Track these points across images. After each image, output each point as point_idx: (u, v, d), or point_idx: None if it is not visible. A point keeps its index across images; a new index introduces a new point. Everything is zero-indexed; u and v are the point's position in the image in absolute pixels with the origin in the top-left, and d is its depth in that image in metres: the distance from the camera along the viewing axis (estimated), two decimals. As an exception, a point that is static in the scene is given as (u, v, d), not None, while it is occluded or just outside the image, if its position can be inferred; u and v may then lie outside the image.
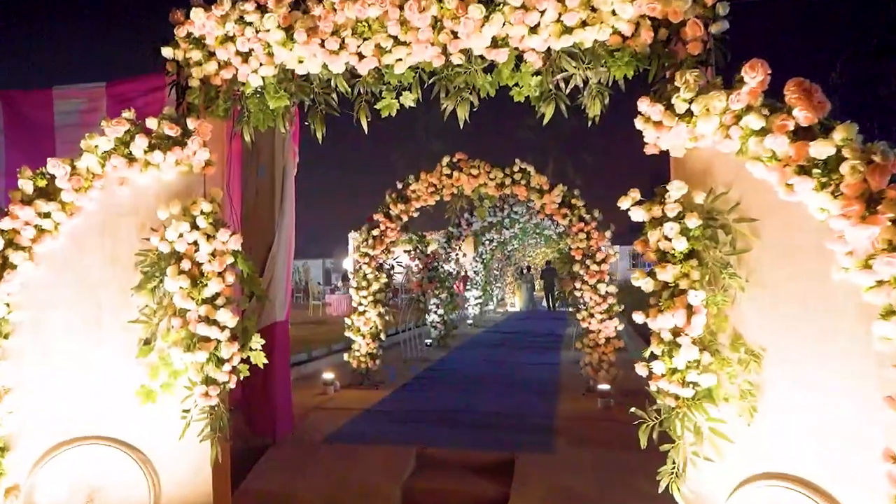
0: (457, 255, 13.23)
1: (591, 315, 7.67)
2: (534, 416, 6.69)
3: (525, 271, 24.95)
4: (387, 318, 8.45)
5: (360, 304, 8.34)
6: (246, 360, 4.25)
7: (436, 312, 12.41)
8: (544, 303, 25.28)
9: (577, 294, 7.83)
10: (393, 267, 8.64)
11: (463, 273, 16.71)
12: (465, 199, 8.33)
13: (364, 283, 8.29)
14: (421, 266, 10.93)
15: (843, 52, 39.14)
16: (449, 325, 12.67)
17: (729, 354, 3.34)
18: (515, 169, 7.81)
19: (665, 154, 3.60)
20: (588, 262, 7.69)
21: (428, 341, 12.14)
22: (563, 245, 8.02)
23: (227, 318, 4.01)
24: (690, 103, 3.27)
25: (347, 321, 8.43)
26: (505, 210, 12.15)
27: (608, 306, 7.62)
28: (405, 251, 10.96)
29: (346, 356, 8.53)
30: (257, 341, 4.25)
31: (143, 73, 5.87)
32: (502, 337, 14.68)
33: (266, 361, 4.31)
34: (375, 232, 8.29)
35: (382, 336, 8.43)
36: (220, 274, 4.05)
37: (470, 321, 16.91)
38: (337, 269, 46.79)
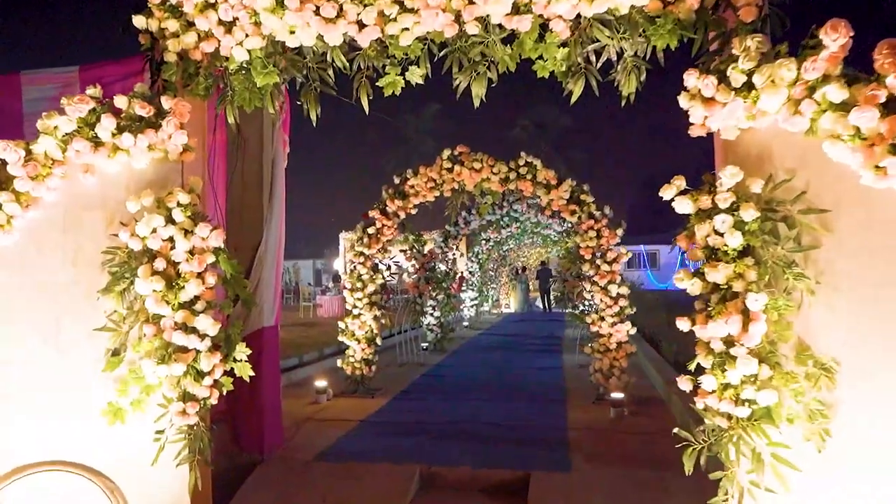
0: (454, 254, 12.76)
1: (602, 318, 7.20)
2: (543, 427, 6.21)
3: (520, 272, 24.49)
4: (382, 321, 7.95)
5: (355, 306, 7.83)
6: (230, 373, 3.74)
7: (432, 314, 11.91)
8: (539, 304, 24.84)
9: (587, 296, 7.36)
10: (389, 267, 8.13)
11: (459, 274, 16.23)
12: (467, 195, 7.85)
13: (359, 285, 7.78)
14: (417, 266, 10.43)
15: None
16: (446, 328, 12.17)
17: (793, 368, 2.87)
18: (521, 163, 7.33)
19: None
20: (598, 261, 7.22)
21: (424, 345, 11.64)
22: (570, 244, 7.54)
23: (208, 324, 3.51)
24: (750, 75, 2.80)
25: (341, 325, 7.92)
26: (504, 208, 11.70)
27: (619, 309, 7.15)
28: (401, 250, 10.47)
29: (339, 362, 8.01)
30: (242, 351, 3.74)
31: (121, 55, 5.37)
32: (500, 339, 14.20)
33: (252, 374, 3.80)
34: (371, 230, 7.78)
35: (378, 340, 7.93)
36: (199, 275, 3.55)
37: (466, 323, 16.43)
38: (328, 270, 46.24)
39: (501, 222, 12.31)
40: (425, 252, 10.51)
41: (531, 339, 14.12)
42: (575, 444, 5.57)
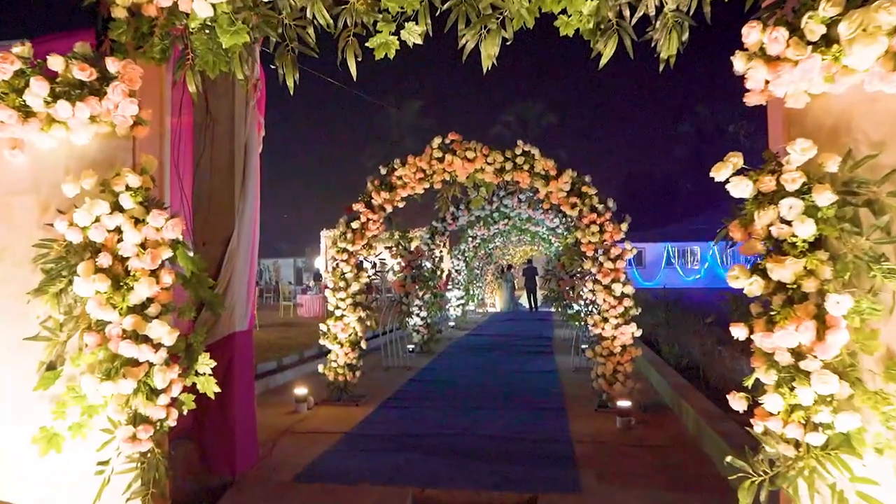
0: (441, 252, 12.20)
1: (605, 319, 6.68)
2: (546, 439, 5.67)
3: (506, 270, 23.98)
4: (367, 323, 7.37)
5: (338, 307, 7.24)
6: (191, 389, 3.15)
7: (418, 315, 11.34)
8: (524, 303, 24.36)
9: (589, 295, 6.84)
10: (375, 265, 7.55)
11: (446, 272, 15.68)
12: (459, 186, 7.30)
13: (342, 284, 7.19)
14: (404, 264, 9.85)
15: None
16: (433, 329, 11.61)
17: (881, 386, 2.35)
18: (518, 152, 6.78)
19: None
20: (601, 258, 6.70)
21: (410, 347, 11.07)
22: (570, 239, 7.01)
23: (163, 332, 2.92)
24: (832, 25, 2.27)
25: (322, 327, 7.31)
26: (494, 203, 11.16)
27: (624, 309, 6.63)
28: (386, 247, 9.89)
29: (321, 367, 7.41)
30: (206, 363, 3.16)
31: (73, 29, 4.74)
32: (489, 340, 13.66)
33: (218, 390, 3.22)
34: (355, 224, 7.19)
35: (363, 344, 7.34)
36: (153, 273, 2.96)
37: (452, 323, 15.88)
38: (309, 269, 45.50)
39: (491, 218, 11.78)
40: (412, 249, 9.93)
41: (521, 340, 13.60)
42: (583, 460, 5.04)
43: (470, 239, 15.87)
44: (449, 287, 16.49)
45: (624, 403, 6.07)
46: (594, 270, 6.75)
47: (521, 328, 16.54)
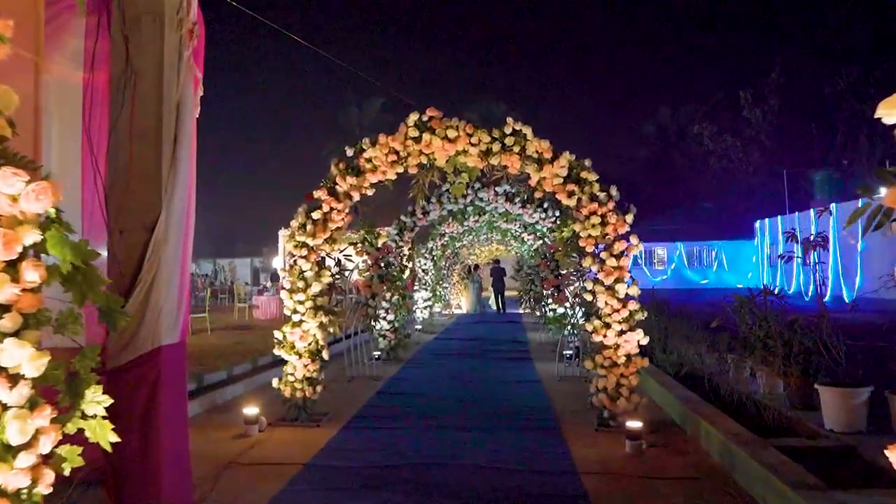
0: (409, 249, 11.22)
1: (607, 325, 5.80)
2: (545, 470, 4.74)
3: (472, 270, 23.08)
4: (330, 329, 6.35)
5: (295, 311, 6.21)
6: (78, 438, 2.13)
7: (385, 318, 10.33)
8: (491, 304, 23.51)
9: (588, 297, 5.95)
10: (339, 262, 6.54)
11: (410, 270, 14.69)
12: (437, 171, 6.34)
13: (300, 284, 6.16)
14: (370, 262, 8.83)
15: (784, 52, 39.35)
16: (401, 334, 10.62)
17: None
18: (507, 131, 5.86)
19: None
20: (603, 255, 5.81)
21: (376, 353, 10.05)
22: (567, 232, 6.10)
23: (23, 357, 1.89)
24: None
25: (278, 335, 6.27)
26: (468, 196, 10.24)
27: (629, 313, 5.76)
28: (350, 243, 8.88)
29: (275, 382, 6.36)
30: (97, 401, 2.13)
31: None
32: (461, 345, 12.71)
33: (116, 439, 2.21)
34: (316, 215, 6.16)
35: (325, 354, 6.32)
36: (9, 266, 1.93)
37: (419, 326, 14.88)
38: (266, 269, 44.04)
39: (464, 213, 10.88)
40: (379, 246, 8.93)
41: (495, 345, 12.68)
42: (598, 500, 4.12)
43: (439, 237, 14.94)
44: (416, 288, 15.52)
45: (634, 424, 5.18)
46: (594, 269, 5.86)
47: (493, 331, 15.65)
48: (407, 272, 10.67)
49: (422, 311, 15.36)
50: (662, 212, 38.50)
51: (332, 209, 6.17)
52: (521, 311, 23.06)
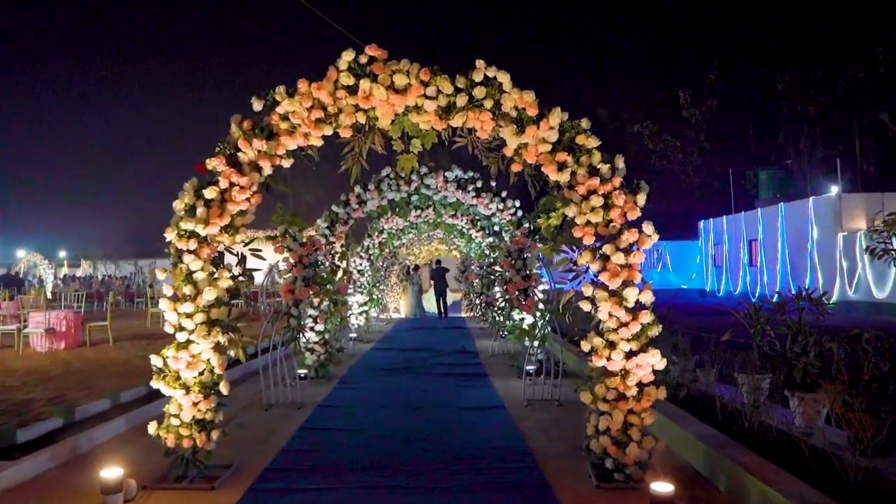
0: (343, 247, 9.49)
1: (611, 345, 4.26)
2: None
3: (412, 271, 21.39)
4: (230, 352, 4.60)
5: (181, 328, 4.43)
6: None
7: (313, 329, 8.58)
8: (430, 308, 21.90)
9: (587, 307, 4.40)
10: (244, 260, 4.78)
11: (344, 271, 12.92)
12: (380, 135, 4.68)
13: (187, 291, 4.38)
14: (293, 262, 7.07)
15: (721, 53, 39.24)
16: (332, 347, 8.87)
17: None
18: (476, 79, 4.25)
19: None
20: (606, 248, 4.28)
21: (302, 372, 8.28)
22: (553, 219, 4.51)
23: None
24: None
25: (155, 361, 4.48)
26: (413, 182, 8.61)
27: (641, 328, 4.25)
28: (268, 237, 7.12)
29: (152, 428, 4.55)
30: None
31: None
32: (403, 357, 11.03)
33: None
34: (210, 193, 4.39)
35: (223, 387, 4.56)
36: None
37: (353, 335, 13.09)
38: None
39: (409, 204, 9.24)
40: (304, 241, 7.17)
41: (442, 356, 11.06)
42: None
43: (376, 233, 13.22)
44: (350, 291, 13.77)
45: (663, 487, 3.65)
46: (594, 268, 4.32)
47: (437, 339, 14.03)
48: (340, 273, 8.94)
49: (357, 318, 13.59)
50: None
51: (232, 186, 4.42)
52: (464, 314, 21.54)
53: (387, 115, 4.40)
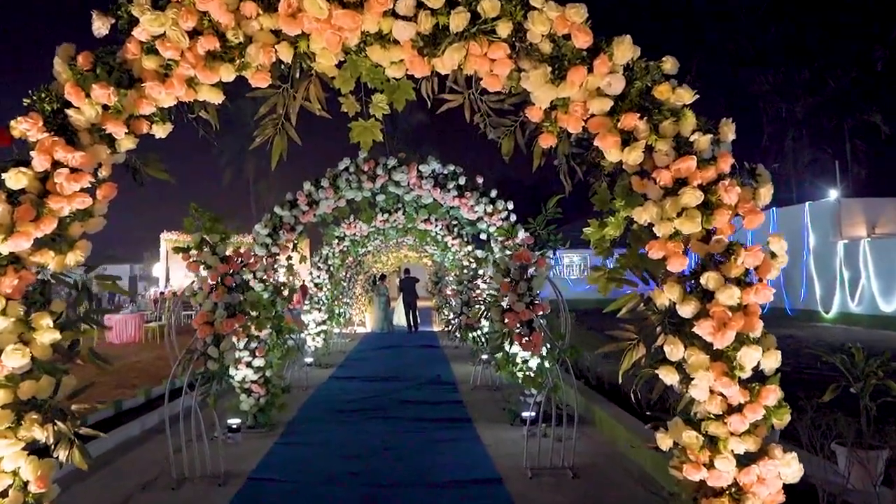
0: (289, 259, 7.59)
1: (712, 441, 2.47)
2: None
3: (378, 281, 19.45)
4: (58, 456, 2.70)
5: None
6: None
7: (250, 365, 6.65)
8: (399, 321, 20.02)
9: (669, 378, 2.61)
10: (86, 291, 2.87)
11: (301, 282, 11.01)
12: (320, 86, 2.82)
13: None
14: (213, 284, 5.12)
15: (698, 55, 38.16)
16: (275, 387, 6.94)
17: None
18: (486, -17, 2.44)
19: None
20: (709, 278, 2.49)
21: (234, 422, 6.34)
22: (621, 216, 2.70)
23: None
24: None
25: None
26: (378, 178, 6.80)
27: (764, 414, 2.47)
28: (175, 249, 5.22)
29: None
30: None
31: None
32: (367, 389, 9.11)
33: None
34: (17, 180, 2.49)
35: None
36: None
37: (309, 360, 11.11)
38: (146, 277, 38.79)
39: (376, 205, 7.39)
40: (225, 255, 5.23)
41: (414, 388, 9.17)
42: None
43: (336, 241, 11.32)
44: (306, 306, 11.83)
45: None
46: (686, 311, 2.53)
47: (408, 361, 12.16)
48: (286, 292, 7.04)
49: (313, 339, 11.63)
50: (578, 217, 36.25)
51: (58, 166, 2.53)
52: (435, 328, 19.70)
53: (330, 50, 2.56)
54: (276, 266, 6.99)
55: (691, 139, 2.52)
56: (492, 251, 7.11)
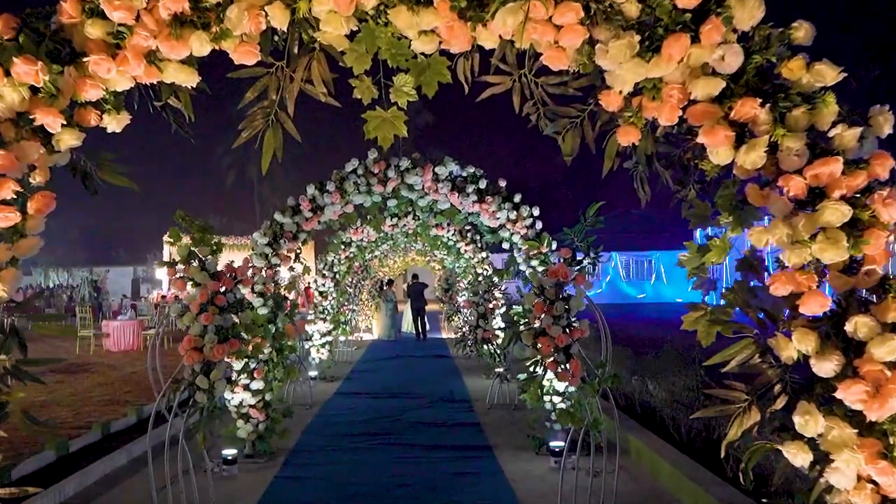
0: (292, 270, 6.93)
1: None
2: None
3: (385, 286, 18.77)
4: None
5: None
6: None
7: (247, 387, 6.00)
8: (407, 328, 19.37)
9: (798, 459, 1.94)
10: (13, 332, 2.20)
11: (306, 285, 10.32)
12: (325, 65, 2.15)
13: None
14: (200, 302, 4.44)
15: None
16: (275, 412, 6.28)
17: None
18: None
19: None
20: (858, 324, 1.81)
21: (230, 454, 5.69)
22: (715, 253, 2.06)
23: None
24: None
25: None
26: (390, 181, 6.15)
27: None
28: (161, 263, 4.55)
29: None
30: None
31: None
32: (374, 409, 8.44)
33: None
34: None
35: None
36: None
37: (314, 374, 10.45)
38: (149, 280, 38.18)
39: (386, 210, 6.72)
40: (218, 270, 4.57)
41: (425, 407, 8.50)
42: None
43: (342, 247, 10.66)
44: (309, 314, 11.15)
45: None
46: (823, 369, 1.85)
47: (417, 374, 11.50)
48: (294, 292, 6.39)
49: (318, 351, 10.96)
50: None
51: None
52: (444, 335, 19.03)
53: (340, 14, 1.89)
54: (276, 279, 6.32)
55: (830, 134, 1.84)
56: (515, 262, 6.42)
